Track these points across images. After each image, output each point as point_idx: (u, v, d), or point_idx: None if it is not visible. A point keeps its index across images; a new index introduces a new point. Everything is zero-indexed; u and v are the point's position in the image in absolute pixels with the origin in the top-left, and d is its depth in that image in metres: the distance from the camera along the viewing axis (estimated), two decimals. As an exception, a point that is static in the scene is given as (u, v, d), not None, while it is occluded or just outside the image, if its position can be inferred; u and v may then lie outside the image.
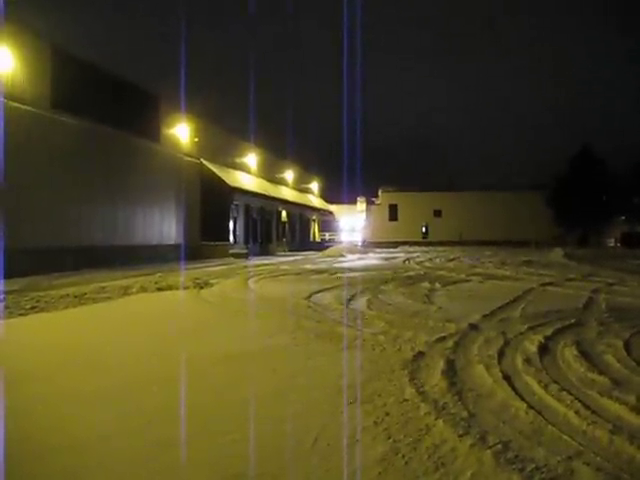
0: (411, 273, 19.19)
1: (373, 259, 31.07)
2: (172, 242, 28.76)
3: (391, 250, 45.14)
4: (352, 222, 54.71)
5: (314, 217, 56.16)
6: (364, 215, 67.80)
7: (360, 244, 47.13)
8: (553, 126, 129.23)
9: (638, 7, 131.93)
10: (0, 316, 9.69)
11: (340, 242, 52.57)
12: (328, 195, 62.54)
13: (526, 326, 8.23)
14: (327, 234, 59.72)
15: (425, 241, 64.72)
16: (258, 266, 23.59)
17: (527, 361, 6.13)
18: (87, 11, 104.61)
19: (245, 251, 33.63)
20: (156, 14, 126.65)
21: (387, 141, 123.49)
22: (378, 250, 44.13)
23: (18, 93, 18.30)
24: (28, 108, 18.73)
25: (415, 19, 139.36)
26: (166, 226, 28.37)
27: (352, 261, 28.67)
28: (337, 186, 65.98)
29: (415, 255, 35.09)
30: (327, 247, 44.68)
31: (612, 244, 60.78)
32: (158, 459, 3.74)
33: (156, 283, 14.61)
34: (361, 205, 70.38)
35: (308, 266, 23.52)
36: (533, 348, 6.75)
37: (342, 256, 33.65)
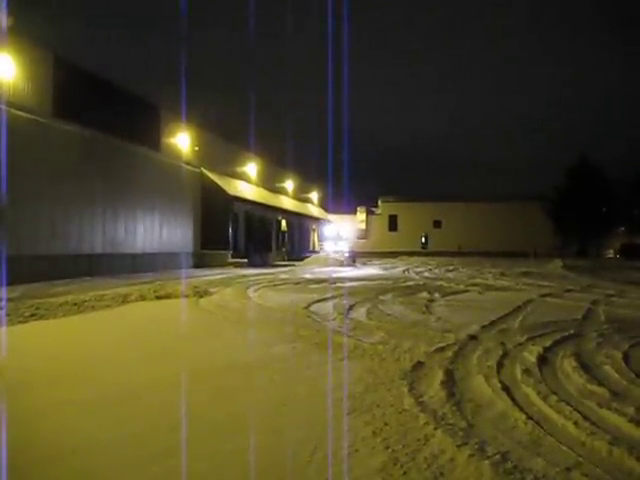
0: (410, 283, 19.19)
1: (373, 269, 31.06)
2: (172, 250, 28.75)
3: (390, 260, 45.06)
4: (338, 230, 45.64)
5: (314, 226, 56.16)
6: (349, 222, 66.01)
7: (347, 255, 37.92)
8: (551, 136, 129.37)
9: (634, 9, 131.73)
10: (0, 323, 9.68)
11: (320, 252, 44.10)
12: (328, 205, 62.56)
13: (525, 337, 8.24)
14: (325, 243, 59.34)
15: (424, 251, 64.73)
16: (257, 275, 23.58)
17: (526, 372, 6.14)
18: (88, 21, 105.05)
19: (245, 260, 33.60)
20: (157, 24, 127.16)
21: (388, 151, 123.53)
22: (375, 262, 43.67)
23: (20, 101, 18.34)
24: (30, 116, 18.77)
25: (420, 25, 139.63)
26: (166, 234, 28.36)
27: (350, 271, 28.61)
28: (338, 196, 66.03)
29: (414, 265, 35.10)
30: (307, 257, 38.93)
31: (611, 255, 60.81)
32: (157, 467, 3.74)
33: (155, 291, 14.59)
34: (361, 215, 70.43)
35: (307, 275, 23.51)
36: (532, 359, 6.76)
37: (341, 265, 32.83)
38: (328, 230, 43.75)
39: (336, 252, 38.43)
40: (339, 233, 42.41)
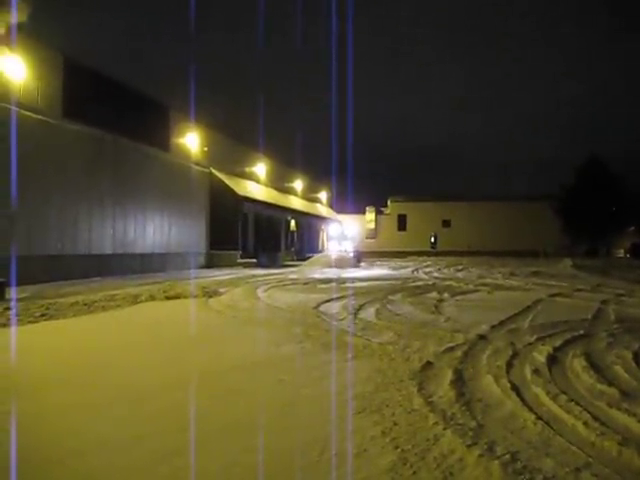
0: (419, 283, 19.16)
1: (381, 270, 31.01)
2: (181, 250, 28.83)
3: (399, 260, 44.98)
4: (342, 229, 42.05)
5: (322, 226, 56.11)
6: (358, 222, 64.76)
7: (351, 255, 35.42)
8: (560, 134, 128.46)
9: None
10: (11, 323, 9.74)
11: (323, 252, 40.76)
12: (337, 205, 62.58)
13: (535, 337, 8.22)
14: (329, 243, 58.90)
15: (434, 251, 64.56)
16: (266, 275, 23.60)
17: (536, 372, 6.12)
18: (97, 21, 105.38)
19: (254, 260, 33.63)
20: (166, 24, 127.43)
21: (397, 151, 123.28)
22: (384, 262, 43.42)
23: (30, 102, 18.45)
24: (40, 117, 18.88)
25: (426, 23, 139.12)
26: (175, 234, 28.44)
27: (356, 272, 28.54)
28: (347, 196, 65.94)
29: (423, 265, 35.01)
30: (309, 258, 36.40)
31: (621, 255, 60.46)
32: (166, 466, 3.76)
33: (165, 292, 14.64)
34: (370, 215, 70.34)
35: (316, 275, 23.52)
36: (542, 359, 6.74)
37: (345, 266, 31.13)
38: (332, 229, 41.34)
39: (340, 252, 36.07)
40: (344, 232, 40.25)
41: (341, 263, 32.00)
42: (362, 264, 34.77)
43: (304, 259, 38.44)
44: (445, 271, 28.25)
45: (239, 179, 36.26)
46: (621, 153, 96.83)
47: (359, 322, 9.97)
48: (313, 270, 28.18)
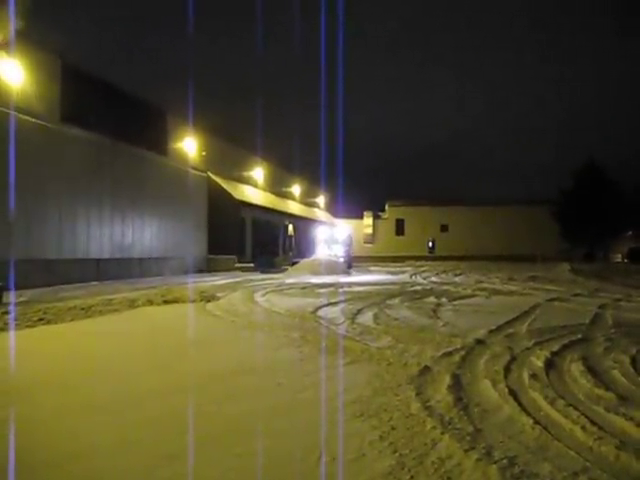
0: (417, 288, 19.18)
1: (379, 274, 31.00)
2: (179, 255, 28.81)
3: (397, 265, 44.98)
4: (332, 232, 37.27)
5: (320, 231, 56.11)
6: (355, 227, 62.66)
7: (341, 260, 32.55)
8: (557, 139, 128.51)
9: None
10: (9, 327, 9.73)
11: (311, 257, 34.79)
12: (335, 210, 62.64)
13: (532, 341, 8.23)
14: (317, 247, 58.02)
15: (431, 256, 64.57)
16: (264, 279, 23.60)
17: (533, 376, 6.13)
18: (94, 24, 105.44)
19: (251, 264, 33.62)
20: (165, 29, 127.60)
21: (395, 155, 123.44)
22: (381, 267, 43.29)
23: (28, 106, 18.46)
24: (38, 121, 18.89)
25: (424, 28, 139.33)
26: (173, 239, 28.43)
27: (356, 277, 28.56)
28: (344, 201, 65.98)
29: (421, 270, 35.00)
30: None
31: (619, 259, 60.55)
32: (162, 471, 3.75)
33: (162, 296, 14.62)
34: (367, 219, 70.38)
35: (314, 280, 23.51)
36: (539, 363, 6.75)
37: (334, 273, 28.84)
38: (321, 232, 38.34)
39: (329, 257, 33.06)
40: (334, 236, 37.68)
41: (329, 269, 29.64)
42: (352, 270, 32.73)
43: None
44: (443, 276, 28.27)
45: (237, 183, 36.32)
46: (620, 157, 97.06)
47: (357, 327, 9.97)
48: (298, 277, 26.41)
